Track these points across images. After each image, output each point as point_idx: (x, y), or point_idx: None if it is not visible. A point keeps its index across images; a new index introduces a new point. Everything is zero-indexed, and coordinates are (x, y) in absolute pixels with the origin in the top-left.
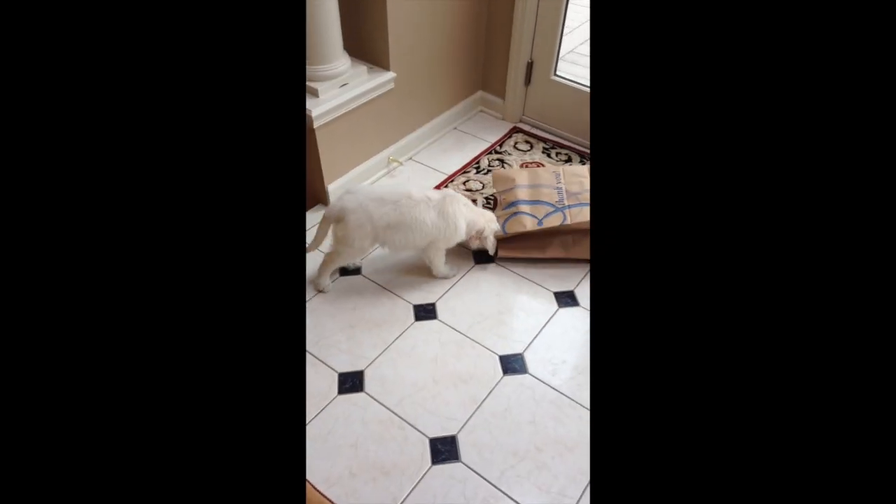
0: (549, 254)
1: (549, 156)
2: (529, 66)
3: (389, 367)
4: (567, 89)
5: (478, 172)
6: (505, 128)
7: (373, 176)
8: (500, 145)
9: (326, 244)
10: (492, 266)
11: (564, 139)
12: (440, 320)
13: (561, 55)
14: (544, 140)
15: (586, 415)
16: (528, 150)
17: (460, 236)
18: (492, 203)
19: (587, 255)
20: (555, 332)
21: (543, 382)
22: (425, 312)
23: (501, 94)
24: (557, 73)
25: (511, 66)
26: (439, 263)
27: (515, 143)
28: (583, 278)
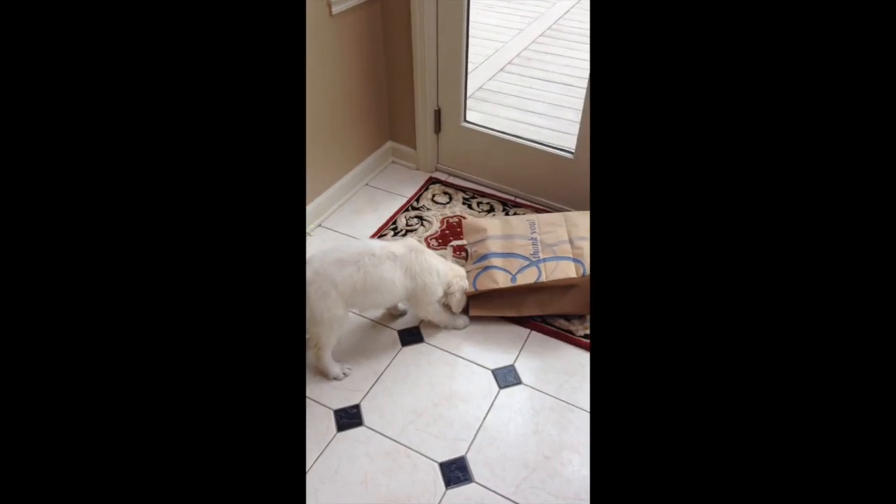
0: (525, 312)
1: (470, 206)
2: (437, 113)
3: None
4: (479, 135)
5: (395, 234)
6: (420, 178)
7: None
8: (417, 199)
9: None
10: (420, 346)
11: (485, 186)
12: (367, 426)
13: (469, 95)
14: (463, 189)
15: None
16: (448, 203)
17: (439, 292)
18: (463, 255)
19: (565, 311)
20: (498, 423)
21: (492, 491)
22: (348, 417)
23: (412, 143)
24: (467, 119)
25: (418, 114)
26: (441, 318)
27: (433, 195)
28: (522, 346)
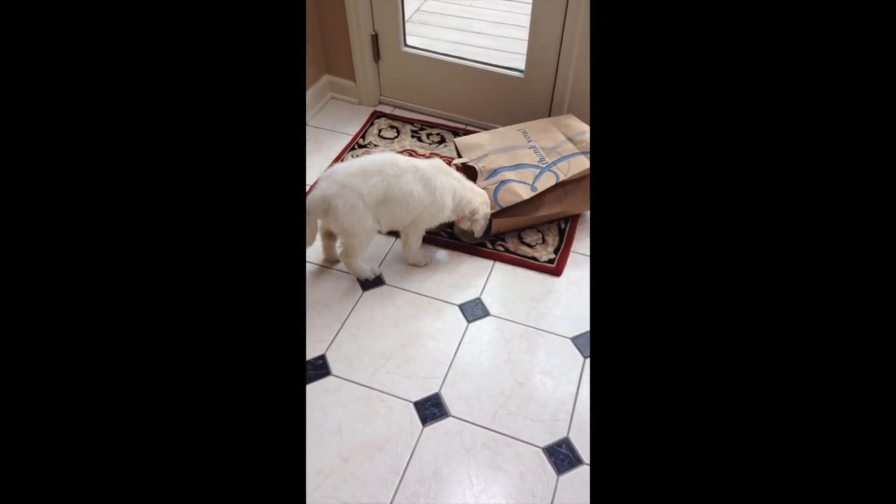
0: (544, 212)
1: (420, 139)
2: (374, 38)
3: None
4: (423, 60)
5: None
6: (364, 113)
7: None
8: (363, 136)
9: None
10: (382, 289)
11: (433, 116)
12: (335, 375)
13: (407, 18)
14: (411, 122)
15: (525, 449)
16: (396, 137)
17: (446, 216)
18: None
19: (583, 207)
20: (470, 356)
21: (469, 423)
22: (314, 369)
23: (351, 75)
24: (408, 43)
25: (353, 41)
26: (415, 246)
27: (379, 130)
28: (487, 278)
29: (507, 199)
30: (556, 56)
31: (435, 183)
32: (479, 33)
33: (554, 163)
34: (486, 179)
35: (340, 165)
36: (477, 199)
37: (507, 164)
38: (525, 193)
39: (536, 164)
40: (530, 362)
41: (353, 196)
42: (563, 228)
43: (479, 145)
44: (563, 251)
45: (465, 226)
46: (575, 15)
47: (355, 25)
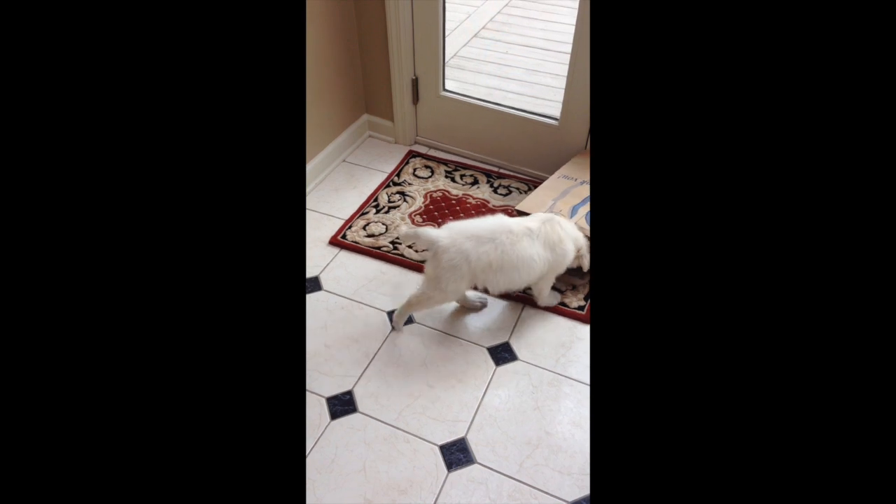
0: None
1: (453, 180)
2: (415, 82)
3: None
4: (459, 104)
5: (378, 212)
6: (400, 152)
7: None
8: (398, 174)
9: None
10: (412, 327)
11: (467, 158)
12: (362, 412)
13: (445, 62)
14: (445, 162)
15: (552, 503)
16: (430, 177)
17: (569, 261)
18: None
19: None
20: (497, 401)
21: (496, 471)
22: (341, 405)
23: (389, 115)
24: (446, 87)
25: (394, 84)
26: (547, 293)
27: (414, 169)
28: (516, 322)
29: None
30: (590, 108)
31: (553, 238)
32: (515, 80)
33: None
34: (570, 218)
35: (452, 225)
36: (581, 238)
37: (577, 203)
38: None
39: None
40: (558, 411)
41: (459, 257)
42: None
43: (541, 201)
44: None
45: (574, 264)
46: None
47: (397, 69)
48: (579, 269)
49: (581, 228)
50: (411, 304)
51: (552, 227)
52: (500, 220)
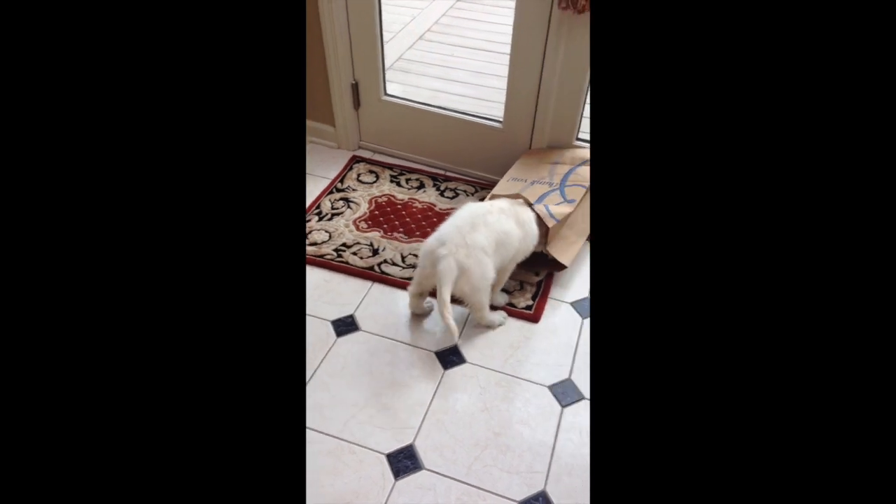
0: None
1: (398, 184)
2: (354, 87)
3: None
4: (402, 108)
5: (320, 219)
6: (343, 158)
7: None
8: (341, 181)
9: None
10: (356, 335)
11: (412, 161)
12: (309, 427)
13: (388, 66)
14: (390, 167)
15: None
16: (374, 182)
17: (533, 243)
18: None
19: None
20: (446, 405)
21: (444, 476)
22: None
23: (330, 121)
24: (388, 92)
25: (333, 89)
26: (488, 310)
27: (358, 174)
28: (464, 324)
29: (559, 212)
30: (532, 109)
31: (522, 217)
32: (460, 82)
33: (562, 184)
34: (535, 203)
35: (446, 228)
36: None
37: (538, 195)
38: (568, 207)
39: (550, 189)
40: (507, 411)
41: (478, 252)
42: (541, 276)
43: (503, 192)
44: (540, 298)
45: (539, 248)
46: (552, 67)
47: (335, 74)
48: (535, 262)
49: (543, 214)
50: (476, 316)
51: (521, 207)
52: (470, 206)
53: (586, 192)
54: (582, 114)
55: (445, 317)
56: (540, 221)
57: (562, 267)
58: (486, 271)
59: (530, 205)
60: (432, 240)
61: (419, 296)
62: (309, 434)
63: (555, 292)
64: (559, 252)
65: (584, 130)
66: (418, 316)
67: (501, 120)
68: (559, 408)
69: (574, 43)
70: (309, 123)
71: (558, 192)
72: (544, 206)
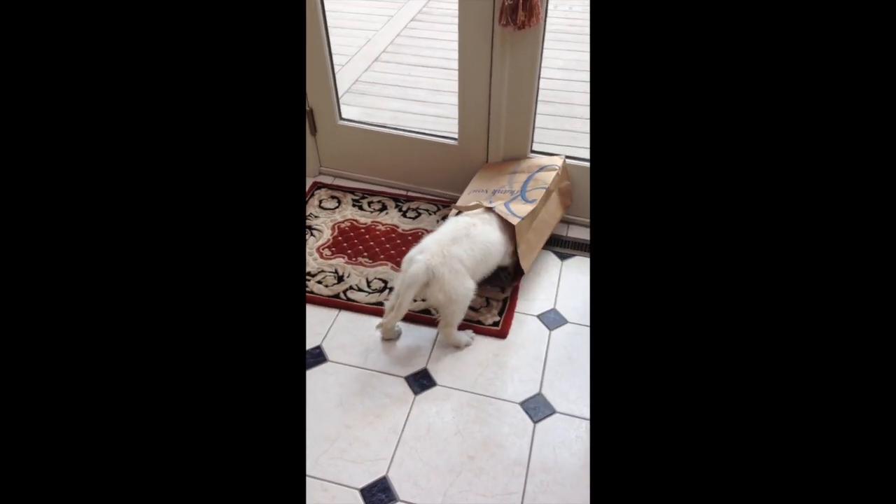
0: (553, 221)
1: (361, 208)
2: (309, 113)
3: None
4: (359, 132)
5: None
6: (305, 184)
7: None
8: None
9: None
10: (325, 366)
11: (374, 184)
12: None
13: (345, 91)
14: (352, 191)
15: None
16: (337, 207)
17: (505, 251)
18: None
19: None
20: (418, 431)
21: None
22: None
23: None
24: (343, 116)
25: None
26: (457, 330)
27: (320, 200)
28: (432, 347)
29: (521, 210)
30: (485, 124)
31: (499, 224)
32: (419, 101)
33: (523, 190)
34: (495, 203)
35: (427, 241)
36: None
37: (499, 201)
38: (527, 207)
39: (512, 197)
40: (480, 432)
41: (455, 262)
42: (506, 293)
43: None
44: (507, 313)
45: (506, 261)
46: (500, 82)
47: None
48: (500, 278)
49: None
50: (446, 333)
51: (492, 216)
52: (454, 220)
53: (546, 193)
54: (534, 126)
55: (391, 317)
56: (505, 224)
57: (521, 273)
58: (462, 282)
59: (491, 209)
60: (413, 249)
61: (394, 310)
62: None
63: (521, 306)
64: (523, 256)
65: (539, 141)
66: (388, 341)
67: (457, 137)
68: (531, 424)
69: (518, 58)
70: None
71: (520, 197)
72: (504, 204)
